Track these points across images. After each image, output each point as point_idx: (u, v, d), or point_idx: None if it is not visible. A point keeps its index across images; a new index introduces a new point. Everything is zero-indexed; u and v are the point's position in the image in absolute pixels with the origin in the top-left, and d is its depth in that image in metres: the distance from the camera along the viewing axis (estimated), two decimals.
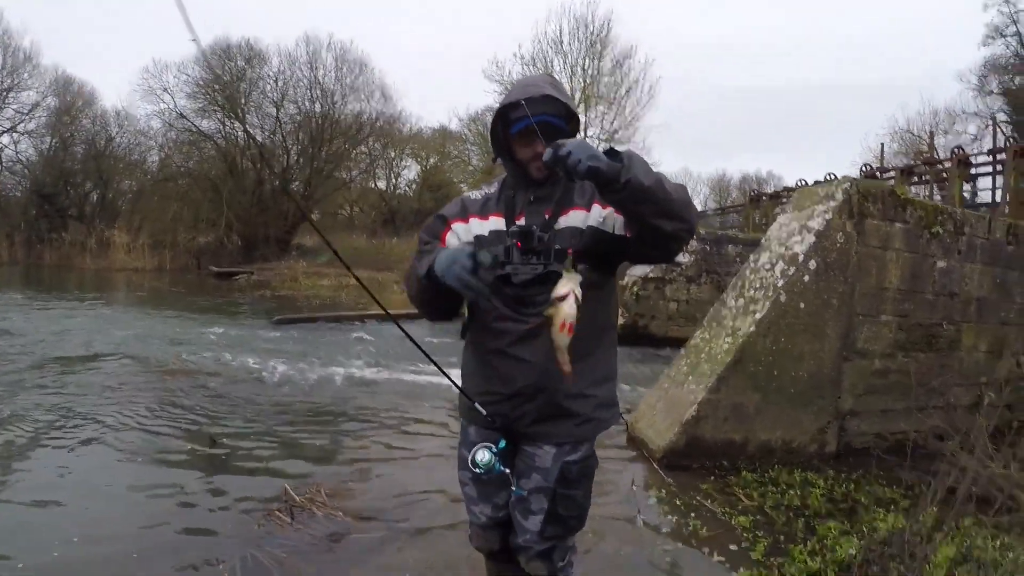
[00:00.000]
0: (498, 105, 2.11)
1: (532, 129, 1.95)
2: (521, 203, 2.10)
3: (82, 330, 11.40)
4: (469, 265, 1.79)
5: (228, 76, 32.90)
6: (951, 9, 62.48)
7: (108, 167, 36.35)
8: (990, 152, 16.82)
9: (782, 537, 3.83)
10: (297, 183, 34.54)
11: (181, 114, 32.78)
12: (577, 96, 29.41)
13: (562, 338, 1.76)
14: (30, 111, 35.35)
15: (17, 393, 6.71)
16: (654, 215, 1.80)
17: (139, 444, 5.24)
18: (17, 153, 36.12)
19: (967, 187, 16.75)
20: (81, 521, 3.74)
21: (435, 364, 2.17)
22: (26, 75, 35.09)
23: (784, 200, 19.29)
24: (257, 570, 3.21)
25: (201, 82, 32.29)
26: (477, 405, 2.10)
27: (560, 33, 29.47)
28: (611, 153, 1.75)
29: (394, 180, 43.67)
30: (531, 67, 28.89)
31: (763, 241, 5.89)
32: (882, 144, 24.57)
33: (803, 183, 19.33)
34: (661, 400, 5.51)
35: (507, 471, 2.08)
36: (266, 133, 34.01)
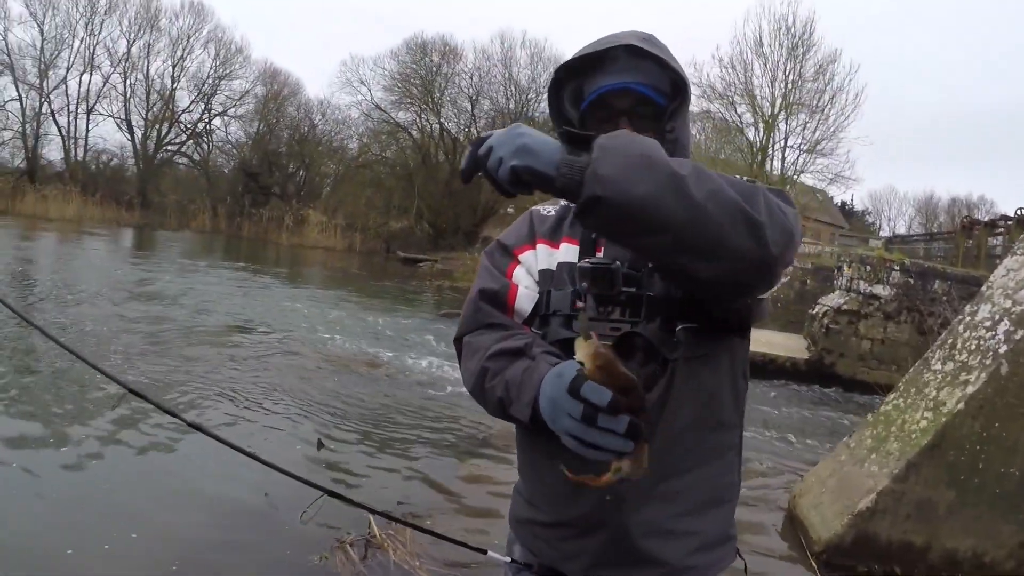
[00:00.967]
0: (563, 63, 1.41)
1: (608, 103, 1.32)
2: None
3: (255, 303, 12.01)
4: (579, 411, 0.98)
5: (423, 71, 34.22)
6: None
7: (311, 151, 39.57)
8: None
9: None
10: None
11: (377, 105, 34.80)
12: (778, 104, 27.51)
13: None
14: (240, 98, 39.99)
15: (163, 356, 6.97)
16: (670, 250, 1.03)
17: (242, 433, 5.14)
18: (228, 135, 41.10)
19: None
20: (139, 517, 3.62)
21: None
22: (237, 65, 39.75)
23: (1001, 230, 16.83)
24: None
25: (397, 75, 33.94)
26: (516, 547, 1.51)
27: (760, 34, 27.51)
28: (573, 139, 1.02)
29: None
30: (730, 70, 27.31)
31: (983, 290, 4.76)
32: None
33: (1022, 212, 16.74)
34: (834, 476, 4.58)
35: None
36: (461, 127, 35.26)
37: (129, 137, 39.40)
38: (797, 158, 29.42)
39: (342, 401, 6.41)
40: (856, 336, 11.62)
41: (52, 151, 38.56)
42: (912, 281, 11.60)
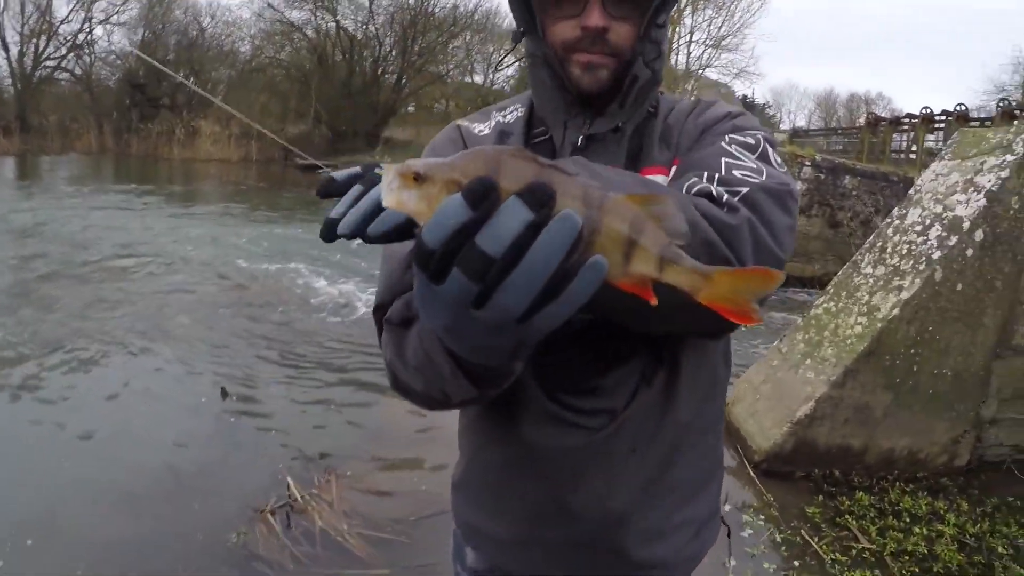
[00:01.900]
0: None
1: None
2: (564, 148, 1.07)
3: (144, 230, 11.14)
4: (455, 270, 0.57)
5: None
6: None
7: (200, 57, 36.55)
8: None
9: None
10: (390, 75, 34.16)
11: (270, 4, 32.62)
12: None
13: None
14: (123, 3, 35.99)
15: (34, 304, 6.30)
16: (663, 321, 0.80)
17: (134, 391, 4.65)
18: (111, 44, 37.41)
19: None
20: (28, 521, 3.06)
21: None
22: None
23: (906, 127, 17.29)
24: None
25: None
26: (469, 551, 1.23)
27: None
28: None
29: (492, 75, 42.23)
30: None
31: (912, 193, 4.68)
32: None
33: (927, 111, 17.16)
34: (768, 382, 4.54)
35: None
36: (358, 24, 33.60)
37: (4, 55, 35.16)
38: (702, 53, 29.46)
39: (247, 338, 5.94)
40: None
41: None
42: (823, 176, 11.73)
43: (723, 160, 0.90)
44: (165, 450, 3.80)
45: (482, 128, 1.13)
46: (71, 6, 35.49)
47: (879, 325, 4.04)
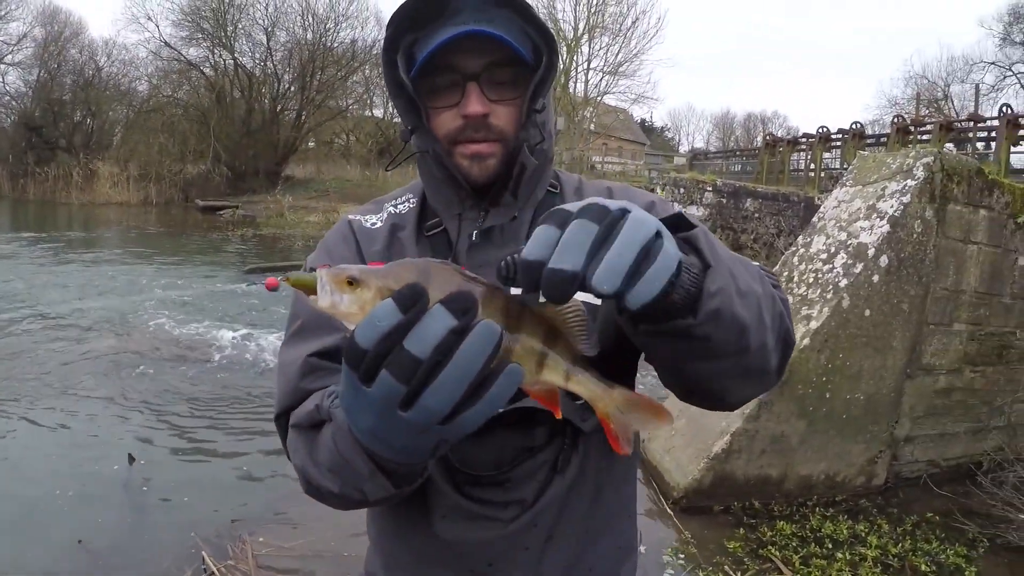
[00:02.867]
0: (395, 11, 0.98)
1: (452, 64, 0.95)
2: (461, 242, 1.03)
3: (40, 282, 10.50)
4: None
5: (214, 3, 31.55)
6: None
7: (97, 96, 35.19)
8: None
9: None
10: (289, 111, 33.74)
11: (167, 43, 31.79)
12: (581, 26, 27.86)
13: None
14: (17, 42, 34.69)
15: None
16: (714, 376, 0.79)
17: (42, 452, 4.41)
18: (5, 85, 35.47)
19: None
20: None
21: None
22: (12, 6, 34.36)
23: (803, 146, 18.13)
24: None
25: (186, 9, 31.06)
26: None
27: None
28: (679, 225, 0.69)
29: (391, 110, 42.17)
30: None
31: (816, 220, 4.88)
32: (918, 94, 23.14)
33: (824, 130, 18.05)
34: (682, 416, 4.57)
35: None
36: (256, 61, 33.19)
37: None
38: (600, 80, 30.28)
39: (152, 395, 5.65)
40: None
41: None
42: (725, 200, 12.19)
43: None
44: (73, 523, 3.56)
45: (374, 221, 1.10)
46: None
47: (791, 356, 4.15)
